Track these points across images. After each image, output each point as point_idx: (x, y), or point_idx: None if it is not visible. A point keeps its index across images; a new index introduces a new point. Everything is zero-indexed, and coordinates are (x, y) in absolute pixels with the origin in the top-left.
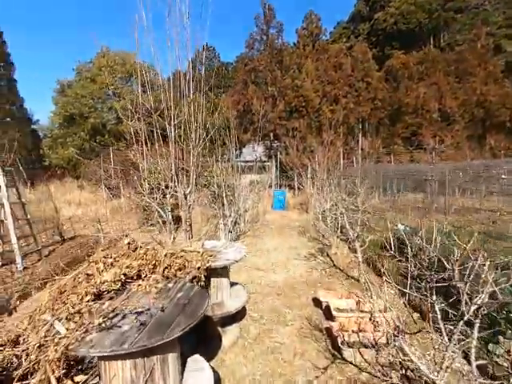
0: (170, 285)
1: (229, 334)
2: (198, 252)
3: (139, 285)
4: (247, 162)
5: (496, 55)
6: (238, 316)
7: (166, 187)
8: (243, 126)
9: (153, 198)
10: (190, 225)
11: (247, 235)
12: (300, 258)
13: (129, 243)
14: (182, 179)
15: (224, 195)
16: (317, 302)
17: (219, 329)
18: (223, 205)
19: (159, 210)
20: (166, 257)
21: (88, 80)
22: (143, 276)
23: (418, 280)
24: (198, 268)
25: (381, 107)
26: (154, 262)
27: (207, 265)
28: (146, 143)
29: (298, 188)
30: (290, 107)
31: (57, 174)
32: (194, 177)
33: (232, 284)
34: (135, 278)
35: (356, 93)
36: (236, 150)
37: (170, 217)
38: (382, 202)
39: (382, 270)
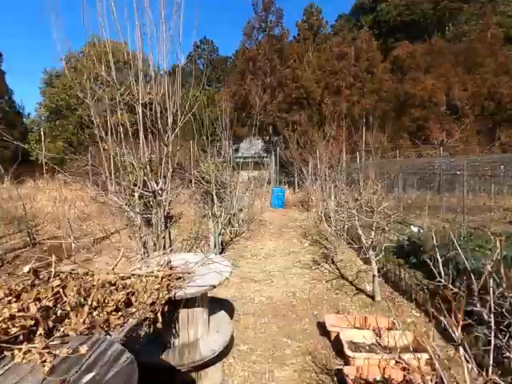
0: (83, 349)
1: (206, 382)
2: (157, 276)
3: (26, 351)
4: (245, 158)
5: (506, 46)
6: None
7: (135, 185)
8: (240, 119)
9: (124, 196)
10: (168, 229)
11: (242, 237)
12: (301, 265)
13: (33, 270)
14: (156, 174)
15: (214, 193)
16: (323, 329)
17: (192, 374)
18: (214, 204)
19: (128, 209)
20: (96, 289)
21: (77, 70)
22: (42, 331)
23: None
24: (152, 304)
25: (386, 99)
26: (73, 301)
27: (168, 296)
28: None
29: (299, 185)
30: (290, 99)
31: (44, 169)
32: (171, 170)
33: (214, 306)
34: (27, 335)
35: (360, 84)
36: (233, 145)
37: (139, 219)
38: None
39: (402, 284)
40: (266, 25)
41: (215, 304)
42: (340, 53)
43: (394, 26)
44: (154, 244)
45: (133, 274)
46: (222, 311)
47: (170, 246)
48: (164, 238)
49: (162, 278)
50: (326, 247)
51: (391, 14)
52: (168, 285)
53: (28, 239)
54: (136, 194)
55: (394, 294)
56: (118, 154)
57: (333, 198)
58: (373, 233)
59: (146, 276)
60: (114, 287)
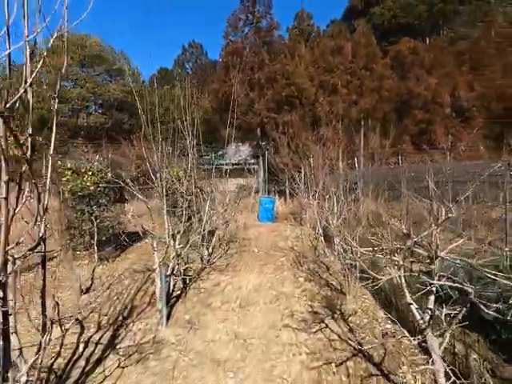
0: None
1: None
2: None
3: None
4: (232, 164)
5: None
6: None
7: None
8: (224, 120)
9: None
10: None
11: (216, 267)
12: (294, 322)
13: None
14: None
15: (165, 207)
16: None
17: None
18: (168, 224)
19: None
20: None
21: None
22: None
23: None
24: None
25: (387, 99)
26: None
27: None
28: None
29: (290, 194)
30: (280, 97)
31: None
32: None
33: None
34: None
35: (358, 82)
36: (218, 151)
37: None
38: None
39: None
40: (254, 16)
41: None
42: (335, 47)
43: (388, 29)
44: None
45: None
46: None
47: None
48: None
49: None
50: (328, 284)
51: (385, 17)
52: None
53: None
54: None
55: None
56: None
57: (336, 211)
58: (431, 299)
59: None
60: None
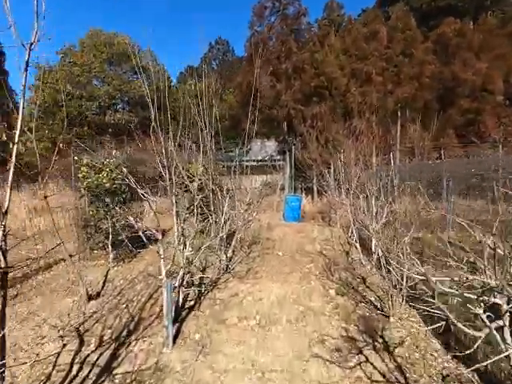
0: None
1: None
2: None
3: None
4: (258, 161)
5: None
6: None
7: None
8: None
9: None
10: None
11: (235, 272)
12: (325, 353)
13: None
14: None
15: (174, 209)
16: None
17: None
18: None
19: None
20: None
21: (71, 64)
22: None
23: None
24: None
25: (428, 87)
26: None
27: None
28: None
29: (318, 192)
30: (308, 88)
31: (30, 173)
32: None
33: None
34: None
35: (395, 69)
36: (243, 146)
37: None
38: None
39: None
40: (280, 3)
41: None
42: (369, 33)
43: (427, 13)
44: None
45: None
46: None
47: None
48: None
49: None
50: (364, 300)
51: (423, 0)
52: None
53: None
54: None
55: None
56: None
57: (375, 210)
58: None
59: None
60: None
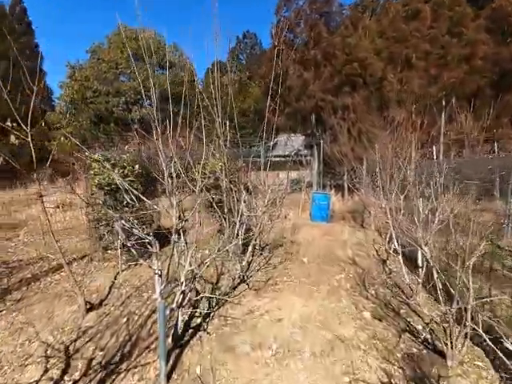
0: None
1: None
2: None
3: None
4: (284, 156)
5: None
6: None
7: None
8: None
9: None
10: None
11: (252, 285)
12: None
13: None
14: None
15: (174, 214)
16: None
17: None
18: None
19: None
20: None
21: (99, 61)
22: None
23: None
24: None
25: (481, 70)
26: None
27: None
28: None
29: (349, 189)
30: (339, 76)
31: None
32: None
33: None
34: None
35: (441, 51)
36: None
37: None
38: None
39: None
40: None
41: None
42: (409, 11)
43: None
44: None
45: None
46: None
47: None
48: None
49: None
50: (409, 328)
51: None
52: None
53: None
54: None
55: None
56: None
57: (421, 216)
58: None
59: None
60: None
